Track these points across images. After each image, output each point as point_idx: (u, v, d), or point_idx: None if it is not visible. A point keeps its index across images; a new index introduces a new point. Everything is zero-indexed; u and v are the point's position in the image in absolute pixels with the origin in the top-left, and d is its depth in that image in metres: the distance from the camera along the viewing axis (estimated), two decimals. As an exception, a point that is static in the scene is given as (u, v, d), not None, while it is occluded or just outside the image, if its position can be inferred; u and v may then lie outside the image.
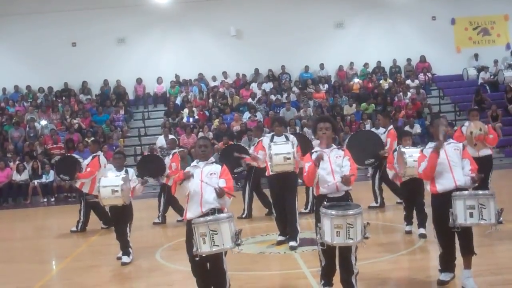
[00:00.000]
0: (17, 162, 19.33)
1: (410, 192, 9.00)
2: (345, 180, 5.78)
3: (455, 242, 6.09)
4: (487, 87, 23.46)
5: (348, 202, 5.92)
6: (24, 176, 19.05)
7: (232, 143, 16.41)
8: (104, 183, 8.51)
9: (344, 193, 5.98)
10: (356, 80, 23.90)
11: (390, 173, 9.45)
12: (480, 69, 24.14)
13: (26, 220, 15.83)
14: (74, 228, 11.88)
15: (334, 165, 5.96)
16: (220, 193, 5.82)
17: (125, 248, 8.69)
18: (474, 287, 5.89)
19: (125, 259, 8.61)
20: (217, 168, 6.09)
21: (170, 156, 12.09)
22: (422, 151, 6.34)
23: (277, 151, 8.52)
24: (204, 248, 5.61)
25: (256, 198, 12.06)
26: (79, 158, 12.68)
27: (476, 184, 6.14)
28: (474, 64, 24.67)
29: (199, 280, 6.16)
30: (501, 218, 5.87)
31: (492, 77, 23.91)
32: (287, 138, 8.92)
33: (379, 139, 11.56)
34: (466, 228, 5.95)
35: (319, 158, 5.88)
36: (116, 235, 8.96)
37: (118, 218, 8.77)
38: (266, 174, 9.13)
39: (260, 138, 9.68)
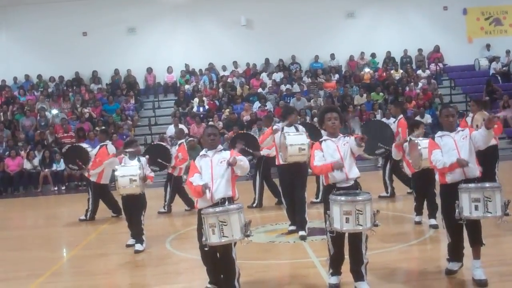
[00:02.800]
0: (28, 151, 19.45)
1: (422, 182, 8.92)
2: (359, 140, 5.83)
3: (464, 232, 6.08)
4: (499, 78, 23.30)
5: (358, 191, 5.93)
6: (35, 164, 19.17)
7: (242, 132, 16.42)
8: (122, 172, 8.59)
9: (353, 182, 6.00)
10: (366, 69, 23.81)
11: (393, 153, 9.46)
12: (492, 60, 23.97)
13: (37, 209, 15.94)
14: (82, 217, 11.94)
15: (342, 153, 6.00)
16: (232, 162, 5.89)
17: (139, 236, 8.75)
18: (483, 277, 5.86)
19: (138, 246, 8.66)
20: (226, 154, 6.10)
21: (177, 146, 12.13)
22: (433, 138, 6.29)
23: (292, 142, 8.49)
24: (214, 239, 5.62)
25: (266, 188, 12.05)
26: (88, 147, 12.71)
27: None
28: (486, 55, 24.50)
29: (209, 268, 6.21)
30: (507, 210, 5.82)
31: (504, 67, 23.73)
32: (297, 129, 8.91)
33: (390, 129, 11.51)
34: (473, 219, 5.92)
35: (339, 167, 5.91)
36: (128, 223, 9.05)
37: (132, 207, 8.85)
38: (276, 163, 9.12)
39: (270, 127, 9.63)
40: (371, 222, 5.63)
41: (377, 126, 11.93)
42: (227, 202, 5.87)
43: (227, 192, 5.95)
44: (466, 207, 5.79)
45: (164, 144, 13.32)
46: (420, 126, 9.21)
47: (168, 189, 12.12)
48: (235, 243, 5.88)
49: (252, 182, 12.08)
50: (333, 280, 6.10)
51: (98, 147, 11.93)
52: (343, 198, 5.64)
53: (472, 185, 5.85)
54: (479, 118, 9.63)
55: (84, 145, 13.34)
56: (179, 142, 12.29)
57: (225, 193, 5.94)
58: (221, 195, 5.92)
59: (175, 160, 11.90)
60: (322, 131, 9.17)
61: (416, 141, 8.57)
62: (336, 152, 6.00)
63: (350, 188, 5.94)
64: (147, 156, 9.34)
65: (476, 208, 5.76)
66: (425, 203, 9.09)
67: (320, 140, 6.26)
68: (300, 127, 9.10)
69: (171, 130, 18.75)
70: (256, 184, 11.94)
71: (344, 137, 6.15)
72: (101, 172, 11.60)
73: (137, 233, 8.79)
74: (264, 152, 11.65)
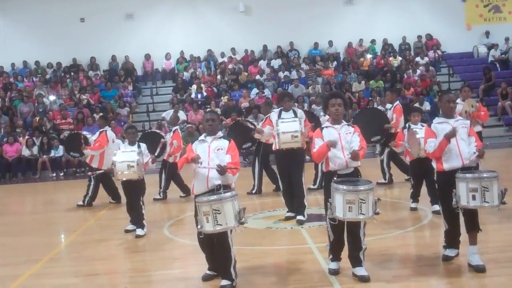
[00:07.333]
0: (26, 137, 19.44)
1: (420, 170, 8.88)
2: (354, 155, 5.78)
3: (460, 219, 6.10)
4: (497, 65, 23.28)
5: (358, 178, 5.94)
6: (34, 151, 19.17)
7: (240, 119, 16.39)
8: (120, 158, 8.63)
9: (353, 169, 5.98)
10: (368, 56, 23.75)
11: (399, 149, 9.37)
12: (491, 47, 23.92)
13: (35, 195, 15.97)
14: (80, 202, 11.95)
15: (344, 141, 5.96)
16: (221, 171, 5.79)
17: (140, 221, 8.79)
18: (479, 263, 5.89)
19: (139, 231, 8.71)
20: (224, 143, 6.07)
21: (171, 133, 12.10)
22: (429, 126, 6.28)
23: (284, 130, 8.52)
24: (208, 227, 5.62)
25: (264, 174, 12.06)
26: (87, 134, 12.73)
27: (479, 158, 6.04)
28: (484, 42, 24.44)
29: (207, 255, 6.24)
30: (504, 199, 5.83)
31: (502, 54, 23.70)
32: (295, 114, 8.89)
33: (385, 115, 11.53)
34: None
35: (333, 144, 5.87)
36: (127, 208, 9.08)
37: (132, 192, 8.89)
38: (273, 148, 9.16)
39: (268, 114, 9.65)
40: (373, 210, 5.65)
41: (372, 114, 11.93)
42: (222, 189, 5.86)
43: (223, 179, 5.94)
44: (464, 196, 5.79)
45: (159, 132, 13.28)
46: (415, 114, 9.20)
47: (163, 176, 12.12)
48: (231, 231, 5.89)
49: (252, 169, 12.08)
50: (333, 265, 6.13)
51: (97, 133, 11.94)
52: (345, 187, 5.62)
53: (469, 175, 5.84)
54: (467, 105, 9.82)
55: (84, 132, 13.39)
56: (174, 128, 12.26)
57: (219, 180, 5.91)
58: (217, 181, 5.91)
59: (170, 147, 11.87)
60: (323, 118, 9.21)
61: (414, 129, 8.56)
62: (337, 140, 5.95)
63: (350, 175, 5.93)
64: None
65: (474, 197, 5.75)
66: (424, 191, 9.10)
67: (322, 127, 6.23)
68: (299, 112, 9.08)
69: (168, 114, 18.74)
70: (256, 171, 11.93)
71: (348, 125, 6.11)
72: (102, 159, 11.60)
73: (137, 218, 8.82)
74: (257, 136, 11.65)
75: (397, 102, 11.77)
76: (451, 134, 5.89)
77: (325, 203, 5.97)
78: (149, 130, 15.57)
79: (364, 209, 5.60)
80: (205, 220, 5.61)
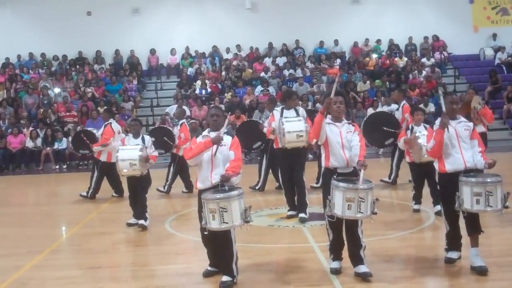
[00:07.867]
0: (30, 129, 19.48)
1: (421, 172, 8.88)
2: (363, 167, 5.74)
3: (461, 221, 6.08)
4: (504, 68, 23.20)
5: (358, 177, 5.91)
6: (37, 142, 19.20)
7: (247, 119, 16.38)
8: (123, 156, 8.68)
9: (353, 168, 5.97)
10: (374, 55, 23.70)
11: (400, 144, 9.34)
12: (497, 49, 23.84)
13: (38, 186, 16.01)
14: (84, 193, 11.98)
15: (344, 140, 5.96)
16: (225, 180, 5.74)
17: (143, 212, 8.82)
18: (482, 265, 5.86)
19: (143, 222, 8.74)
20: (227, 139, 6.03)
21: (178, 126, 12.16)
22: (431, 127, 6.27)
23: (290, 129, 8.51)
24: (214, 224, 5.61)
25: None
26: (93, 129, 12.77)
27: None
28: (491, 44, 24.36)
29: (209, 250, 6.24)
30: (507, 203, 5.81)
31: (509, 57, 23.61)
32: (297, 112, 8.91)
33: (393, 117, 11.48)
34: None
35: (327, 105, 5.84)
36: (131, 202, 9.10)
37: (137, 186, 8.92)
38: (275, 146, 9.15)
39: (272, 112, 9.65)
40: (371, 210, 5.67)
41: (381, 118, 11.87)
42: (226, 186, 5.82)
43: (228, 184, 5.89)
44: (467, 200, 5.77)
45: (166, 126, 13.32)
46: (418, 113, 9.19)
47: (171, 169, 12.14)
48: (234, 227, 5.87)
49: (258, 165, 12.07)
50: (335, 264, 6.12)
51: (103, 127, 11.97)
52: (346, 185, 5.63)
53: (473, 179, 5.81)
54: (474, 102, 9.88)
55: (89, 128, 13.45)
56: (180, 122, 12.31)
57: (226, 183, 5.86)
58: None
59: (178, 140, 11.93)
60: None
61: (417, 135, 8.56)
62: (338, 137, 5.96)
63: (350, 175, 5.93)
64: (152, 139, 9.34)
65: (478, 202, 5.73)
66: (426, 191, 9.08)
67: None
68: (301, 110, 9.10)
69: (172, 109, 18.77)
70: (262, 168, 11.90)
71: (349, 124, 6.10)
72: (110, 152, 11.61)
73: (141, 210, 8.85)
74: (271, 136, 11.64)
75: (404, 101, 11.73)
76: (444, 122, 5.88)
77: (323, 200, 5.98)
78: (156, 126, 15.58)
79: (363, 208, 5.62)
80: (211, 217, 5.60)
